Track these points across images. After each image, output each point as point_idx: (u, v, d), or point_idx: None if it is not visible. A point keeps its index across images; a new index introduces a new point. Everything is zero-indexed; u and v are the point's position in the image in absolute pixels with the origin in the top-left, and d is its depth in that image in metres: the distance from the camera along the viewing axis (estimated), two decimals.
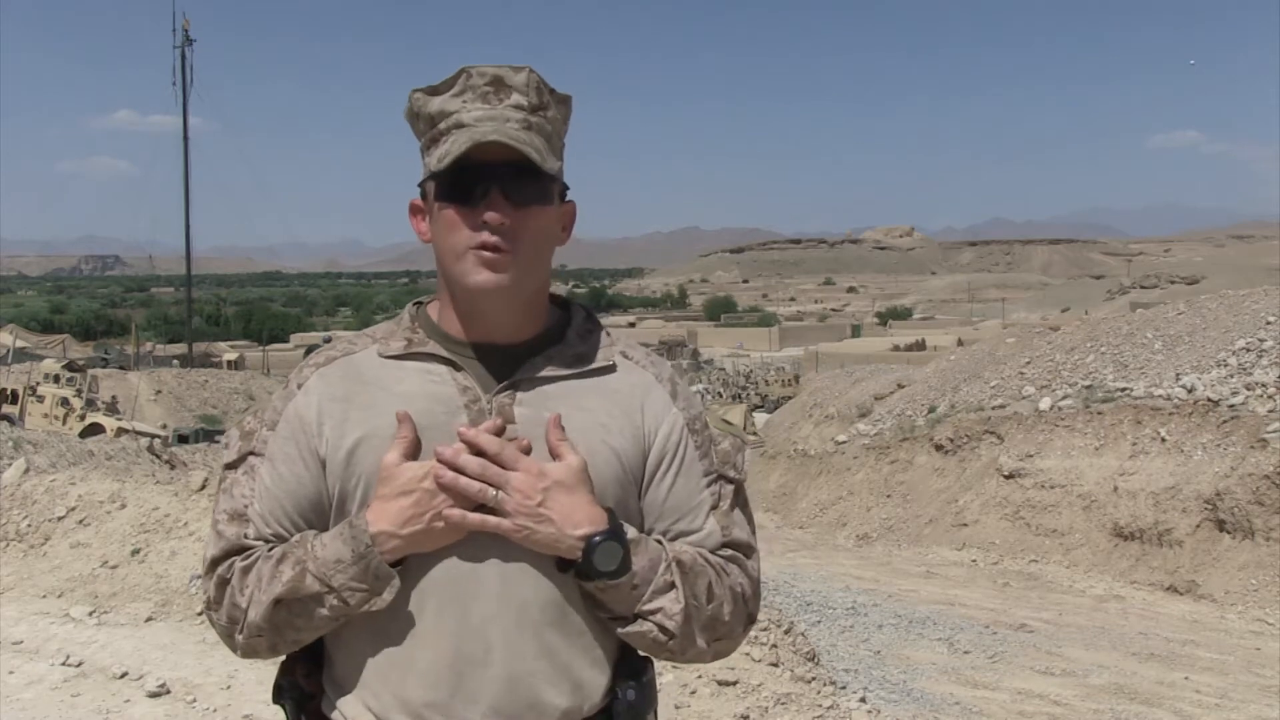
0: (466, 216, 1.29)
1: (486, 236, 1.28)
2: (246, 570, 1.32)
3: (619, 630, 1.34)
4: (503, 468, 1.26)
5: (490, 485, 1.25)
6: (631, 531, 1.31)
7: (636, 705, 1.37)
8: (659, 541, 1.34)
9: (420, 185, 1.37)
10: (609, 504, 1.32)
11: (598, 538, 1.26)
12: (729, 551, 1.39)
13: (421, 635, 1.30)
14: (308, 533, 1.32)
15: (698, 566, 1.34)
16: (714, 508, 1.40)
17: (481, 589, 1.30)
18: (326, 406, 1.34)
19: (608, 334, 1.44)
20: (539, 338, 1.38)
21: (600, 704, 1.35)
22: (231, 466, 1.38)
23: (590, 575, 1.27)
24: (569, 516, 1.26)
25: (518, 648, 1.30)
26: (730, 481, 1.42)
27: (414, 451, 1.28)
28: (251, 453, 1.36)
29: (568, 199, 1.39)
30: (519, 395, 1.34)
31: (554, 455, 1.29)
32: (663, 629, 1.32)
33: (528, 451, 1.29)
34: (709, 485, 1.40)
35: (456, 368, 1.35)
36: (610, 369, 1.39)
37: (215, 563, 1.35)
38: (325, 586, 1.27)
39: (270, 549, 1.32)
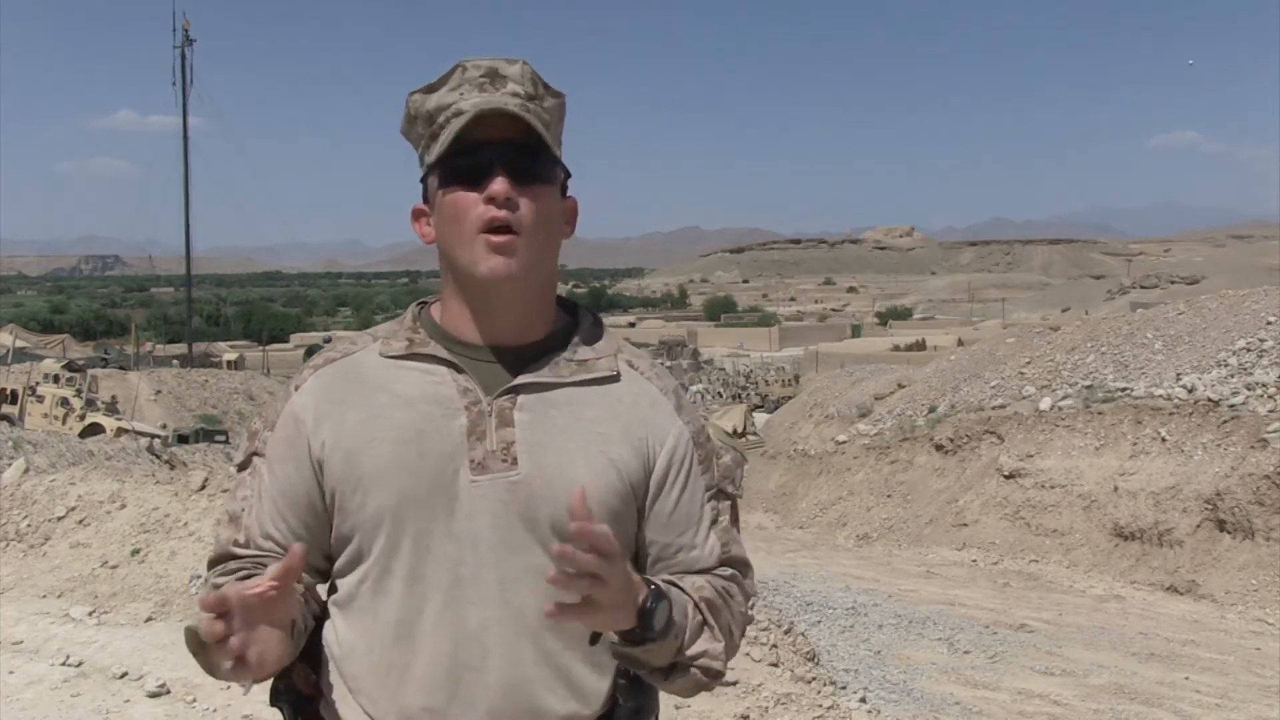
0: (471, 196, 1.26)
1: (494, 211, 1.25)
2: (216, 588, 1.25)
3: (662, 684, 1.31)
4: (600, 554, 1.12)
5: (592, 577, 1.12)
6: (659, 583, 1.27)
7: (638, 711, 1.36)
8: (674, 584, 1.30)
9: (422, 182, 1.34)
10: (608, 516, 1.26)
11: (649, 601, 1.21)
12: (729, 571, 1.38)
13: (419, 640, 1.28)
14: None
15: (718, 602, 1.33)
16: (714, 523, 1.38)
17: (481, 594, 1.28)
18: (324, 408, 1.33)
19: (614, 341, 1.41)
20: (544, 341, 1.35)
21: (601, 709, 1.33)
22: (241, 468, 1.39)
23: (645, 639, 1.21)
24: (629, 588, 1.19)
25: (516, 653, 1.28)
26: (728, 497, 1.41)
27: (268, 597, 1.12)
28: (255, 453, 1.37)
29: (569, 195, 1.36)
30: (520, 399, 1.31)
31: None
32: (708, 671, 1.30)
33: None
34: (709, 500, 1.39)
35: (458, 369, 1.32)
36: (614, 378, 1.36)
37: (209, 566, 1.38)
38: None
39: (245, 575, 1.28)
